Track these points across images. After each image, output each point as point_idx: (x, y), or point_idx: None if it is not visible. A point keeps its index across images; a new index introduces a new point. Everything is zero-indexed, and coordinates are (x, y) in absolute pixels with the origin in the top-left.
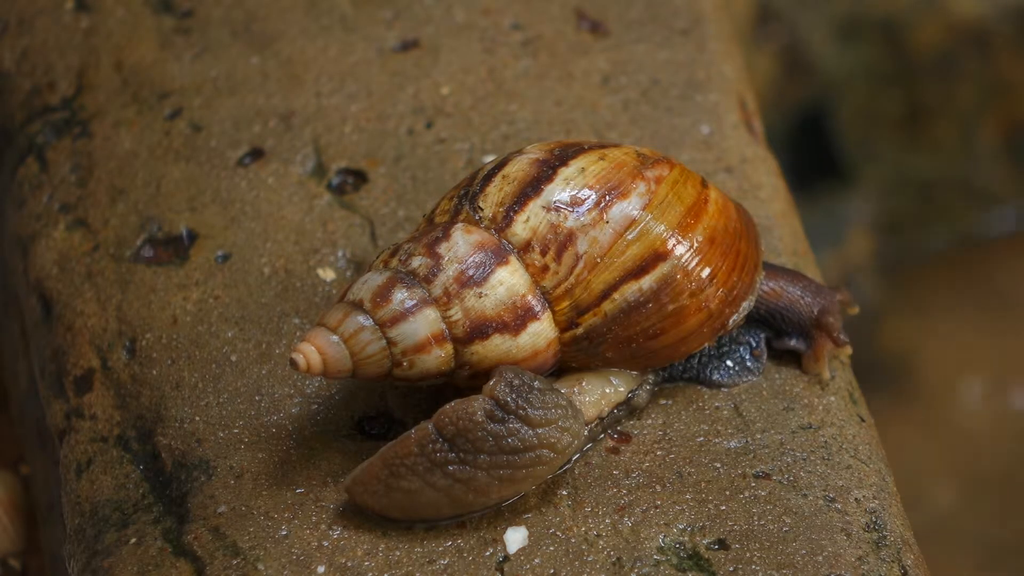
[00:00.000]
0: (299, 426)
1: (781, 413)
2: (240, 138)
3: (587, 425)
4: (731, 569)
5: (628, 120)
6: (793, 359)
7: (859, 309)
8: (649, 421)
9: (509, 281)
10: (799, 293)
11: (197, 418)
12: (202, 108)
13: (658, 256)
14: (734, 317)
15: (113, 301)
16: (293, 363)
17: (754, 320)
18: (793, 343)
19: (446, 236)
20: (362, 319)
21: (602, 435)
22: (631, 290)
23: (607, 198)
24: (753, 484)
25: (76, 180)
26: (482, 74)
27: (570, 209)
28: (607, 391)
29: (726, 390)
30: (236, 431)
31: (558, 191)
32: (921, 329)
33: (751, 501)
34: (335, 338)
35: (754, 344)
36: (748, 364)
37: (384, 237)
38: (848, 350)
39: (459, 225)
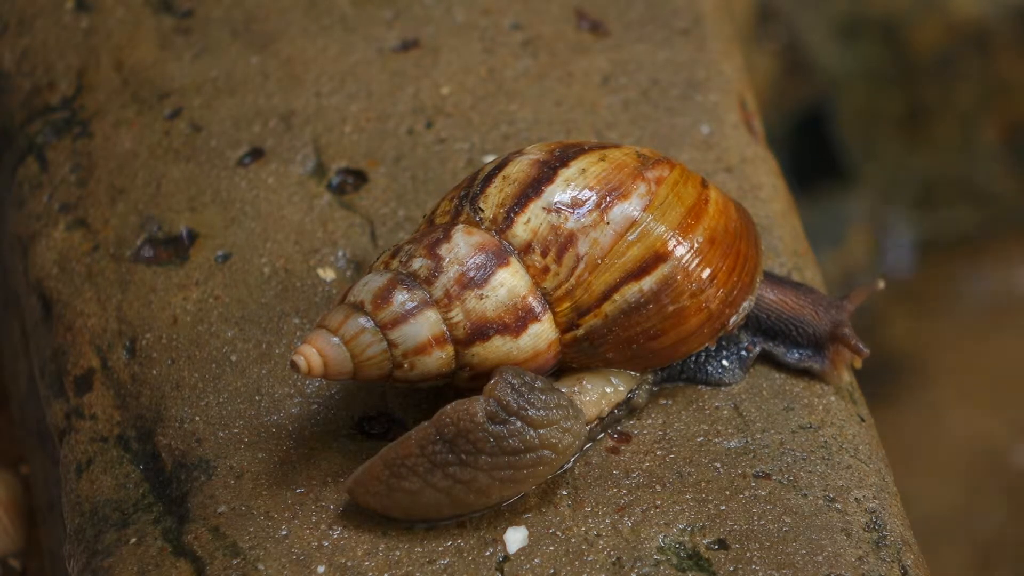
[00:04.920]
0: (299, 426)
1: (781, 413)
2: (240, 138)
3: (587, 425)
4: (731, 569)
5: (628, 120)
6: None
7: (884, 282)
8: (649, 421)
9: (510, 283)
10: (812, 307)
11: (197, 418)
12: (202, 108)
13: (659, 257)
14: (734, 318)
15: (113, 301)
16: (294, 365)
17: (767, 331)
18: (806, 362)
19: (447, 237)
20: (363, 321)
21: (602, 435)
22: (632, 291)
23: (608, 199)
24: (753, 484)
25: (76, 180)
26: (482, 74)
27: (571, 210)
28: (607, 391)
29: (726, 389)
30: (236, 431)
31: (559, 192)
32: (921, 328)
33: (751, 501)
34: (336, 340)
35: (746, 342)
36: (741, 363)
37: (384, 237)
38: (866, 354)
39: (460, 226)
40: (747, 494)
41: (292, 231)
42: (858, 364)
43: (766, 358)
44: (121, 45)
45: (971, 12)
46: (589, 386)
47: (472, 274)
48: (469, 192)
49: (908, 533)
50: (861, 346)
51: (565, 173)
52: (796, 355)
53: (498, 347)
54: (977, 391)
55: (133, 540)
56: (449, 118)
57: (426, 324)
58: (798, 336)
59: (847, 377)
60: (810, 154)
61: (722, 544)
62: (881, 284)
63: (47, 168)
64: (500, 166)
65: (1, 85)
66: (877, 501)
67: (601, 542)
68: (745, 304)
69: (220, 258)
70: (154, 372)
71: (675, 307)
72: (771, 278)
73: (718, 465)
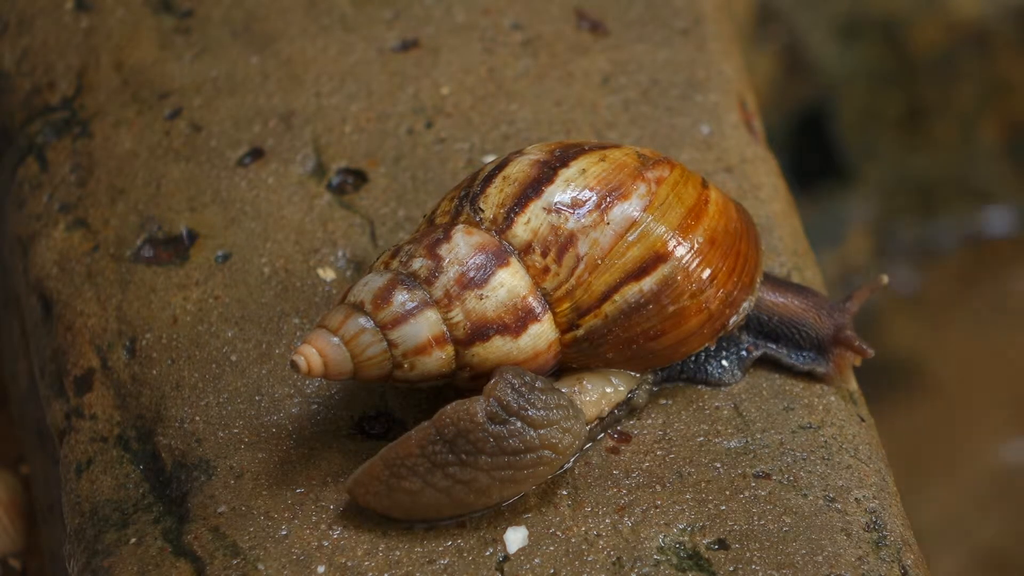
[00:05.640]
0: (299, 426)
1: (781, 413)
2: (240, 138)
3: (587, 425)
4: (731, 569)
5: (628, 120)
6: None
7: (887, 279)
8: (649, 421)
9: (510, 283)
10: (815, 310)
11: (197, 418)
12: (202, 108)
13: (659, 257)
14: (734, 318)
15: (113, 301)
16: (294, 365)
17: (768, 334)
18: (809, 365)
19: (447, 238)
20: (363, 321)
21: (602, 435)
22: (632, 291)
23: (608, 199)
24: (753, 484)
25: (76, 180)
26: (482, 74)
27: (571, 210)
28: (607, 391)
29: (726, 389)
30: (236, 431)
31: (559, 192)
32: (921, 328)
33: (751, 501)
34: (336, 340)
35: (747, 343)
36: (740, 363)
37: (384, 237)
38: (871, 355)
39: (460, 226)
40: (747, 494)
41: (292, 231)
42: (857, 362)
43: (769, 361)
44: (121, 45)
45: (971, 12)
46: (589, 386)
47: (472, 274)
48: (469, 192)
49: (908, 533)
50: (865, 347)
51: (565, 173)
52: (800, 359)
53: (498, 347)
54: (978, 392)
55: (133, 540)
56: (449, 118)
57: (426, 324)
58: (800, 339)
59: (854, 384)
60: (810, 154)
61: (722, 544)
62: (885, 280)
63: (47, 168)
64: (500, 166)
65: (1, 85)
66: (877, 501)
67: (601, 542)
68: (745, 304)
69: (220, 258)
70: (154, 372)
71: (675, 307)
72: (773, 281)
73: (718, 465)
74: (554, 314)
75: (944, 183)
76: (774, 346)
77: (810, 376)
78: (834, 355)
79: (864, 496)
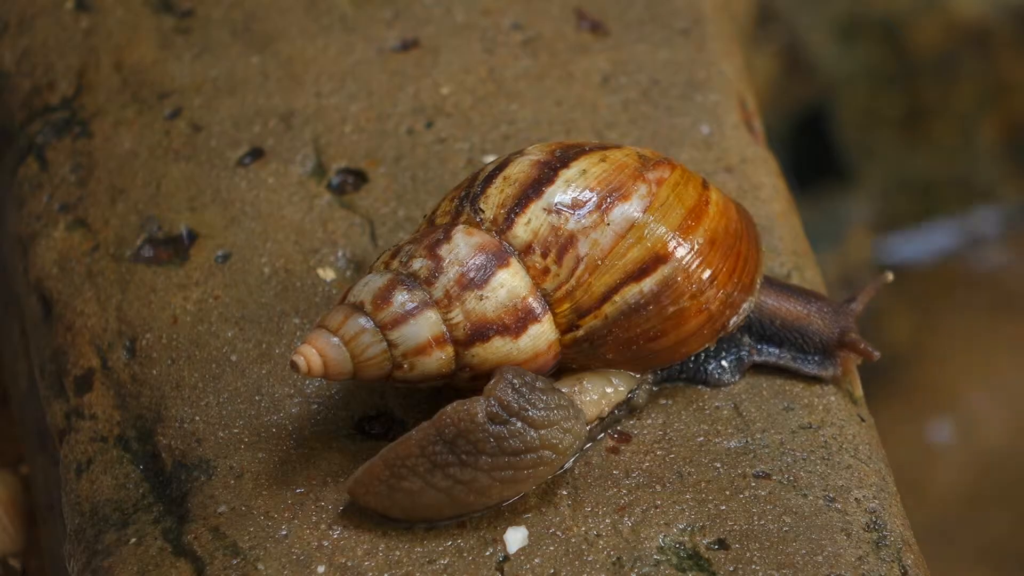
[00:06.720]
0: (299, 426)
1: (781, 413)
2: (240, 138)
3: (587, 425)
4: (731, 569)
5: (628, 120)
6: None
7: (891, 276)
8: (649, 421)
9: (510, 283)
10: (818, 314)
11: (197, 418)
12: (202, 108)
13: (659, 258)
14: (734, 319)
15: (113, 301)
16: (294, 365)
17: (771, 337)
18: (815, 369)
19: (447, 238)
20: (363, 321)
21: (602, 435)
22: (632, 292)
23: (608, 200)
24: (753, 484)
25: (76, 180)
26: (482, 74)
27: (571, 211)
28: (607, 391)
29: (726, 389)
30: (236, 431)
31: (559, 193)
32: (922, 328)
33: (751, 501)
34: (336, 340)
35: (748, 345)
36: (739, 365)
37: (384, 237)
38: (877, 357)
39: (460, 227)
40: (747, 494)
41: (292, 231)
42: (858, 362)
43: (774, 366)
44: (121, 45)
45: (971, 12)
46: (589, 386)
47: (472, 275)
48: (470, 192)
49: (908, 533)
50: (871, 349)
51: (566, 174)
52: (805, 363)
53: (498, 348)
54: (977, 391)
55: (133, 540)
56: (449, 118)
57: (426, 325)
58: (805, 344)
59: (860, 390)
60: (810, 154)
61: (722, 544)
62: (889, 277)
63: (47, 168)
64: (501, 166)
65: (1, 85)
66: (877, 501)
67: (601, 542)
68: (745, 305)
69: (220, 258)
70: (154, 372)
71: (675, 308)
72: (774, 285)
73: (718, 465)
74: (554, 315)
75: (944, 183)
76: (778, 351)
77: (816, 379)
78: (840, 358)
79: (864, 496)
